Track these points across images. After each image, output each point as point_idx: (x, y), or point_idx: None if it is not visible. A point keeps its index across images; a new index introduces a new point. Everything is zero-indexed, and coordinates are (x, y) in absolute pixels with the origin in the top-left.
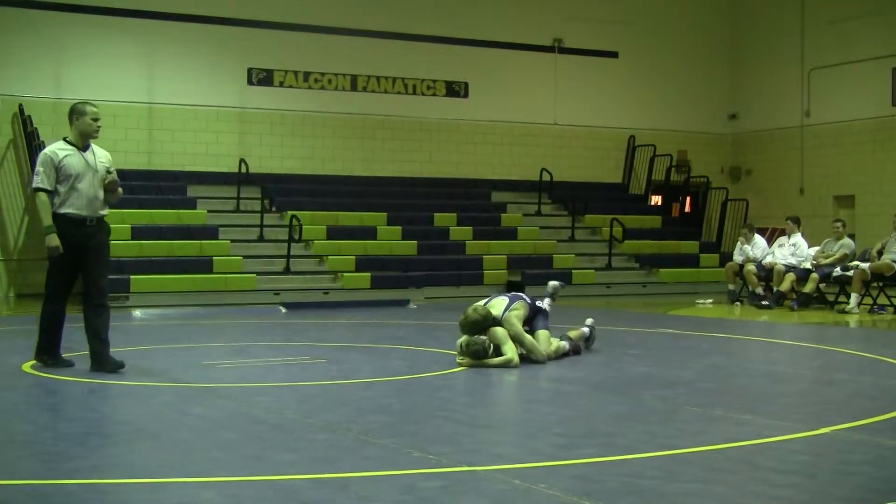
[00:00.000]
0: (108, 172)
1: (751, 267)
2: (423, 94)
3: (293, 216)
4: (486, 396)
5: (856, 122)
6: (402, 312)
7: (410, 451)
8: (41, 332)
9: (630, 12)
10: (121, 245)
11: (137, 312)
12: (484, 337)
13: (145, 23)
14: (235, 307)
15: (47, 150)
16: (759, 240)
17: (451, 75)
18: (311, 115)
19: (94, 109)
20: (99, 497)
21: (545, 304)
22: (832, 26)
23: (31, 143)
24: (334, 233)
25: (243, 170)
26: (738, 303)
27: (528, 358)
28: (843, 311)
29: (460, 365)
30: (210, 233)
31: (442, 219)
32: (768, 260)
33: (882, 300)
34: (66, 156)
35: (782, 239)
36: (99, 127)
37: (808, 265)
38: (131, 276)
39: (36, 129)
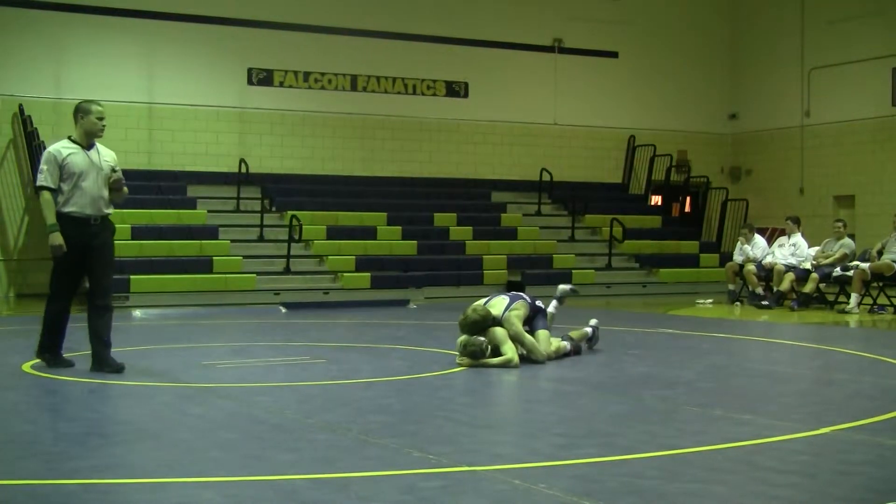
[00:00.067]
0: (114, 171)
1: (751, 267)
2: (423, 94)
3: (293, 216)
4: (486, 396)
5: (856, 122)
6: (402, 312)
7: (410, 451)
8: (44, 330)
9: (630, 12)
10: (121, 245)
11: (137, 312)
12: (482, 338)
13: (145, 23)
14: (235, 307)
15: (51, 148)
16: (759, 240)
17: (451, 75)
18: (311, 115)
19: (100, 108)
20: (99, 497)
21: (551, 306)
22: (832, 26)
23: (31, 143)
24: (334, 233)
25: (243, 170)
26: (738, 303)
27: (528, 358)
28: (843, 311)
29: (460, 365)
30: (210, 233)
31: (442, 219)
32: (768, 260)
33: (882, 300)
34: (69, 154)
35: (782, 239)
36: (104, 126)
37: (808, 265)
38: (131, 276)
39: (36, 129)
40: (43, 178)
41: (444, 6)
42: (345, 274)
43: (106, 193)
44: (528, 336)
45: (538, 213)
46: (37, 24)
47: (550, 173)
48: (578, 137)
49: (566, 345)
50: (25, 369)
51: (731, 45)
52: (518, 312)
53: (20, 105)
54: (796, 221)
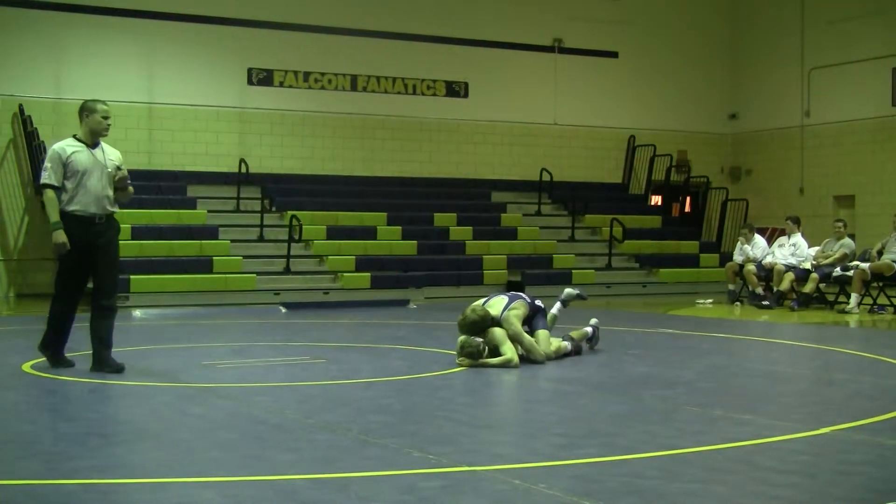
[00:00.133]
0: (118, 169)
1: (751, 267)
2: (423, 94)
3: (293, 216)
4: (486, 396)
5: (856, 122)
6: (402, 312)
7: (410, 451)
8: (48, 329)
9: (630, 12)
10: (121, 245)
11: (137, 312)
12: (479, 339)
13: (145, 23)
14: (235, 307)
15: (56, 146)
16: (759, 240)
17: (451, 75)
18: (311, 115)
19: (105, 107)
20: (99, 497)
21: (555, 308)
22: (832, 26)
23: (31, 143)
24: (334, 233)
25: (243, 170)
26: (738, 303)
27: (528, 358)
28: (843, 311)
29: (460, 365)
30: (210, 233)
31: (442, 219)
32: (768, 260)
33: (882, 300)
34: (73, 152)
35: (782, 239)
36: (109, 125)
37: (808, 265)
38: (131, 276)
39: (36, 129)
40: (47, 176)
41: (444, 6)
42: (345, 274)
43: (111, 192)
44: (526, 336)
45: (538, 213)
46: (37, 24)
47: (550, 173)
48: (578, 137)
49: (567, 345)
50: (25, 369)
51: (731, 45)
52: (517, 312)
53: (20, 105)
54: (796, 221)
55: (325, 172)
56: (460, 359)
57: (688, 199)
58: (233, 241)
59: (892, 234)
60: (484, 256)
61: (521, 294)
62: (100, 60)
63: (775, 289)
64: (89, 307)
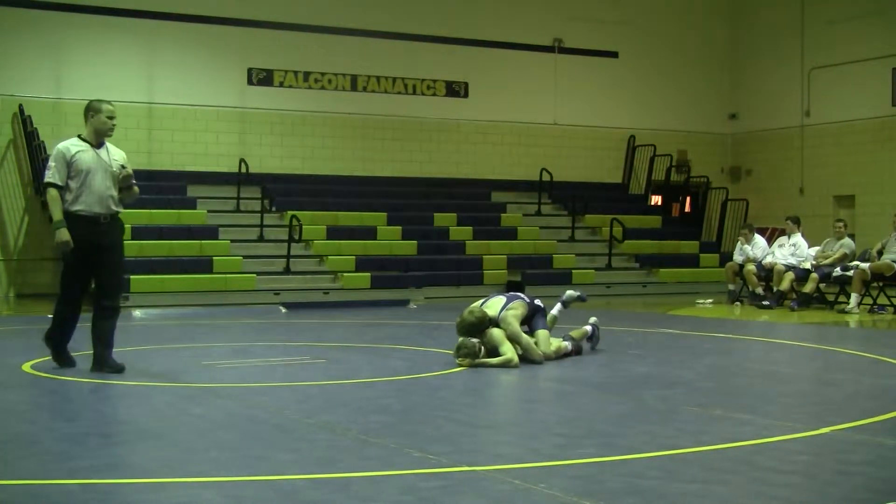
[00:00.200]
0: (123, 168)
1: (751, 267)
2: (423, 94)
3: (293, 216)
4: (486, 396)
5: (856, 122)
6: (402, 312)
7: (410, 451)
8: (53, 325)
9: (630, 12)
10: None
11: (137, 312)
12: (475, 339)
13: (145, 23)
14: (235, 307)
15: (60, 145)
16: (759, 240)
17: (451, 75)
18: (311, 115)
19: (110, 108)
20: (99, 497)
21: (555, 308)
22: (832, 26)
23: (31, 143)
24: (334, 233)
25: (243, 170)
26: (738, 303)
27: (527, 358)
28: (843, 311)
29: (460, 365)
30: (210, 233)
31: (442, 219)
32: (768, 260)
33: (882, 300)
34: (78, 152)
35: (782, 239)
36: (114, 125)
37: (808, 265)
38: (131, 276)
39: (36, 129)
40: (50, 175)
41: (444, 6)
42: (345, 274)
43: (115, 192)
44: (524, 336)
45: (538, 213)
46: (37, 24)
47: (550, 173)
48: (578, 137)
49: (567, 345)
50: (25, 369)
51: (731, 45)
52: (515, 312)
53: (20, 105)
54: (796, 221)
55: (325, 172)
56: (461, 359)
57: (688, 199)
58: (233, 241)
59: (892, 234)
60: (484, 256)
61: (519, 294)
62: (100, 60)
63: (775, 289)
64: (91, 307)
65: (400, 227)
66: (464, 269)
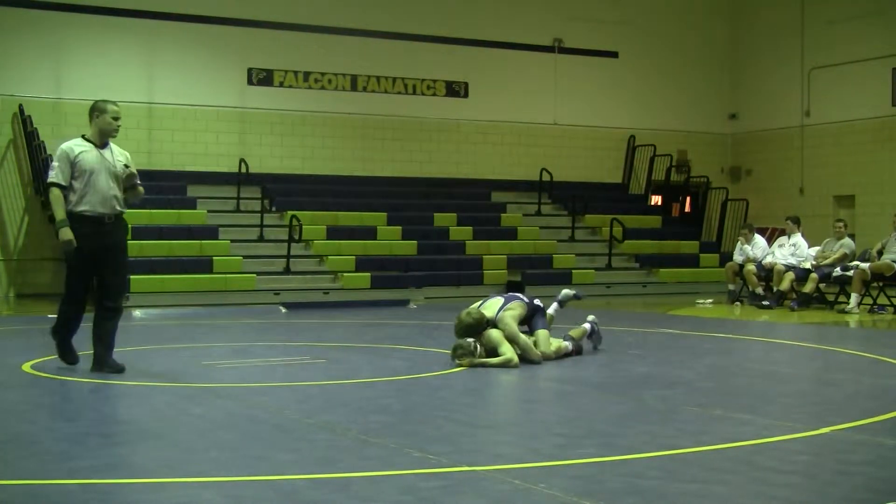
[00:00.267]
0: (126, 167)
1: (751, 267)
2: (423, 94)
3: (293, 216)
4: (486, 396)
5: (856, 122)
6: (402, 312)
7: (410, 451)
8: (58, 322)
9: (630, 12)
10: None
11: (137, 312)
12: (471, 339)
13: (145, 23)
14: (235, 307)
15: (64, 145)
16: (759, 240)
17: (451, 75)
18: (311, 115)
19: (116, 108)
20: (99, 497)
21: (551, 308)
22: (832, 26)
23: (31, 142)
24: (334, 233)
25: (243, 170)
26: (738, 303)
27: (526, 358)
28: (843, 311)
29: (460, 365)
30: (210, 233)
31: (442, 219)
32: (768, 260)
33: (882, 300)
34: (81, 152)
35: (782, 239)
36: (119, 126)
37: (808, 265)
38: (131, 276)
39: (36, 129)
40: (54, 175)
41: (444, 6)
42: (345, 274)
43: (119, 192)
44: (522, 336)
45: (538, 213)
46: (37, 24)
47: (550, 173)
48: (578, 137)
49: (567, 345)
50: (25, 369)
51: (731, 45)
52: (513, 313)
53: (20, 105)
54: (796, 221)
55: (325, 172)
56: (461, 359)
57: (688, 199)
58: (233, 241)
59: (892, 234)
60: (484, 256)
61: (517, 294)
62: (100, 60)
63: (775, 289)
64: (93, 307)
65: (400, 227)
66: (464, 269)
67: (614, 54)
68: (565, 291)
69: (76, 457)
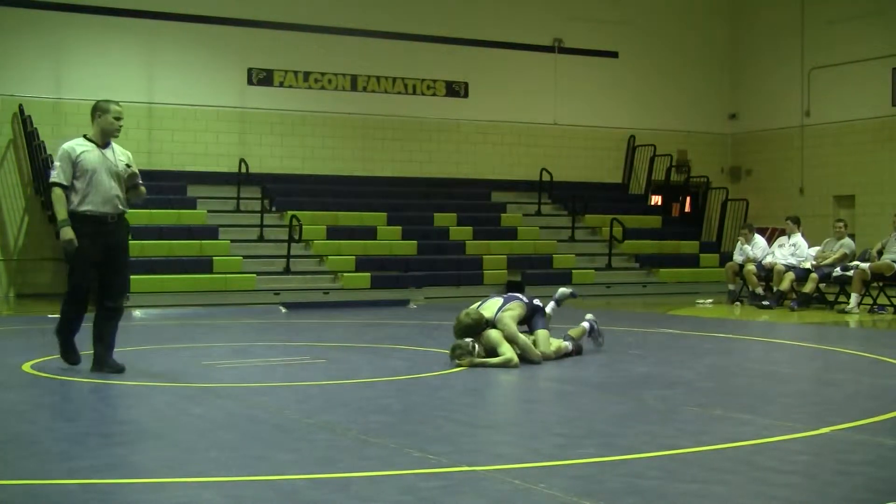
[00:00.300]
0: (127, 167)
1: (751, 267)
2: (423, 94)
3: (293, 216)
4: (486, 396)
5: (856, 122)
6: (402, 312)
7: (410, 451)
8: (60, 322)
9: (630, 12)
10: None
11: (137, 312)
12: (468, 339)
13: (145, 23)
14: (235, 307)
15: (66, 145)
16: (759, 240)
17: (451, 75)
18: (311, 115)
19: (118, 108)
20: (99, 497)
21: (548, 307)
22: (832, 26)
23: (31, 142)
24: (334, 233)
25: (243, 170)
26: (738, 303)
27: (526, 357)
28: (843, 311)
29: (460, 365)
30: (210, 233)
31: (442, 219)
32: (768, 260)
33: (882, 300)
34: (83, 152)
35: (782, 239)
36: (121, 126)
37: (808, 265)
38: (131, 276)
39: (36, 129)
40: (55, 175)
41: (444, 6)
42: (345, 274)
43: (121, 192)
44: (521, 336)
45: (538, 213)
46: (37, 24)
47: (550, 173)
48: (578, 137)
49: (567, 345)
50: (25, 369)
51: (731, 45)
52: (512, 313)
53: (20, 105)
54: (796, 221)
55: (325, 172)
56: (461, 359)
57: (688, 199)
58: (233, 241)
59: (892, 234)
60: (484, 256)
61: (516, 295)
62: (100, 60)
63: (775, 289)
64: (94, 307)
65: (400, 227)
66: (464, 269)
67: (614, 54)
68: (561, 290)
69: (76, 457)
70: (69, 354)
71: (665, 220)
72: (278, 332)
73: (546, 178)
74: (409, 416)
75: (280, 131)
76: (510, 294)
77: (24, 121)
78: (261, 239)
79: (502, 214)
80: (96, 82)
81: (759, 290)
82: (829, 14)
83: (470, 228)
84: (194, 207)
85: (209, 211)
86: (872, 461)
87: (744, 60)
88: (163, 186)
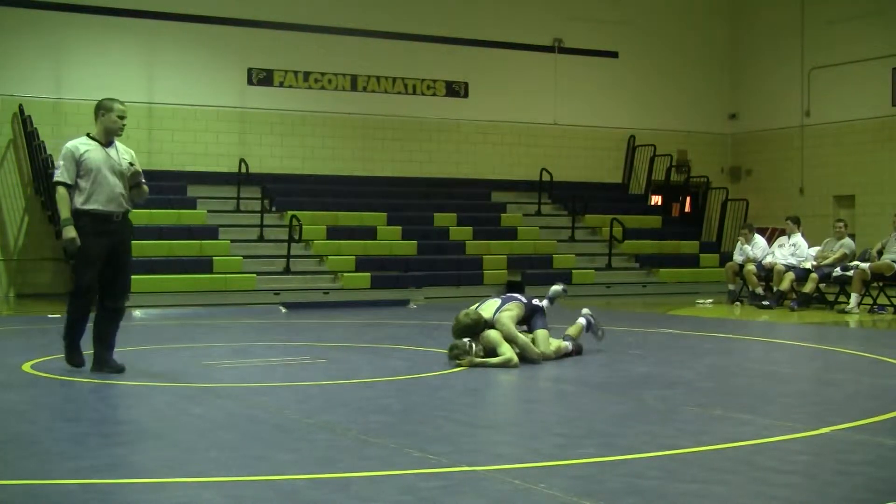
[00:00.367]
0: (131, 165)
1: (751, 267)
2: (423, 94)
3: (293, 216)
4: (486, 396)
5: (856, 122)
6: (402, 312)
7: (410, 451)
8: (67, 324)
9: (630, 12)
10: None
11: (137, 312)
12: (466, 339)
13: (145, 23)
14: (235, 307)
15: (69, 144)
16: (759, 240)
17: (451, 75)
18: (311, 115)
19: (121, 107)
20: (99, 497)
21: (543, 304)
22: (832, 26)
23: (31, 142)
24: (334, 233)
25: (243, 170)
26: (738, 303)
27: (525, 357)
28: (843, 311)
29: (460, 365)
30: (210, 233)
31: (442, 219)
32: (768, 260)
33: (882, 300)
34: (86, 150)
35: (782, 239)
36: (124, 125)
37: (808, 265)
38: (131, 276)
39: (36, 129)
40: (59, 174)
41: (444, 6)
42: (345, 274)
43: (125, 190)
44: (520, 336)
45: (538, 213)
46: (37, 24)
47: (550, 173)
48: (578, 137)
49: (567, 345)
50: (25, 369)
51: (731, 45)
52: (510, 313)
53: (20, 105)
54: (796, 221)
55: (325, 172)
56: (461, 359)
57: (688, 199)
58: (233, 241)
59: (892, 234)
60: (484, 256)
61: (515, 295)
62: (100, 60)
63: (775, 289)
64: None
65: (400, 227)
66: (464, 269)
67: (614, 54)
68: (554, 288)
69: (76, 457)
70: (74, 357)
71: (665, 220)
72: (278, 332)
73: (546, 178)
74: (409, 416)
75: (280, 131)
76: (509, 294)
77: (24, 121)
78: (261, 239)
79: (502, 214)
80: (96, 82)
81: (759, 290)
82: (829, 14)
83: (470, 228)
84: (194, 207)
85: (209, 211)
86: (872, 461)
87: (744, 60)
88: (163, 186)
